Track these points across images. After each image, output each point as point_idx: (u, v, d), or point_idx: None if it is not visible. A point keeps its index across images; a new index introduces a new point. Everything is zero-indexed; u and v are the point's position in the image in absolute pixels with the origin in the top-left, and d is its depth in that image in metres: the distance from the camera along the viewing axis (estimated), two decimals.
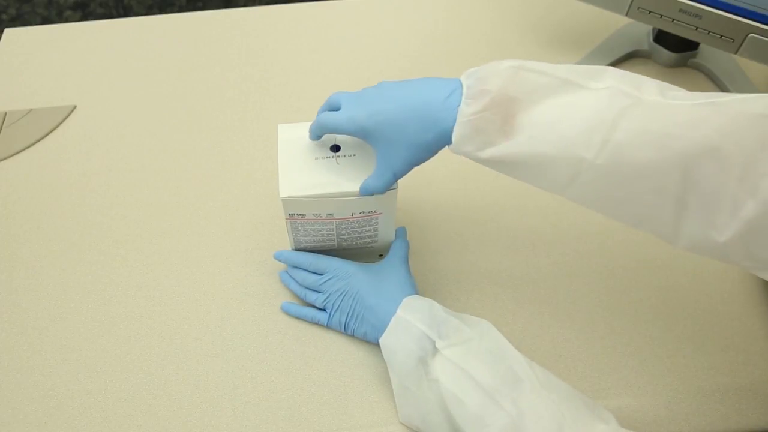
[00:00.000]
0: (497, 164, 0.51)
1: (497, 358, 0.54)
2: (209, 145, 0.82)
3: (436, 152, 0.54)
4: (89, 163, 0.80)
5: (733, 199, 0.43)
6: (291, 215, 0.61)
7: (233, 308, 0.67)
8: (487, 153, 0.50)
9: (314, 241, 0.65)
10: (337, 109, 0.57)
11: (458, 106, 0.50)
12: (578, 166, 0.47)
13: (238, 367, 0.63)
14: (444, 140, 0.52)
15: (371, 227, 0.63)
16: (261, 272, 0.70)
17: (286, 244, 0.67)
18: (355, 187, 0.58)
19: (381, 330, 0.58)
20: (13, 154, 0.81)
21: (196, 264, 0.71)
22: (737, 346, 0.64)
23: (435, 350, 0.55)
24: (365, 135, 0.55)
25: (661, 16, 0.77)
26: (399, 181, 0.59)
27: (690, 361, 0.63)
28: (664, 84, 0.48)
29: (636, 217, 0.48)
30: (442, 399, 0.53)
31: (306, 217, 0.61)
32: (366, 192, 0.57)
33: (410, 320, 0.57)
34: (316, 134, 0.60)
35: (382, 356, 0.59)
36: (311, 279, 0.65)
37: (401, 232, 0.67)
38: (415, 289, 0.62)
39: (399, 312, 0.58)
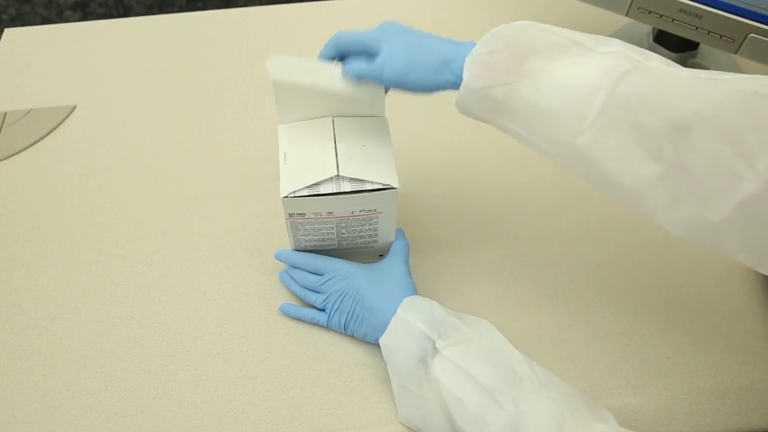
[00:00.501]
0: (502, 109, 0.51)
1: (497, 357, 0.54)
2: (209, 145, 0.82)
3: (437, 89, 0.55)
4: (89, 163, 0.80)
5: (729, 174, 0.42)
6: (291, 215, 0.61)
7: (233, 308, 0.67)
8: (496, 92, 0.50)
9: (314, 240, 0.65)
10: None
11: (470, 50, 0.52)
12: (580, 124, 0.47)
13: (238, 367, 0.63)
14: (451, 78, 0.53)
15: (371, 226, 0.63)
16: (261, 272, 0.70)
17: (286, 244, 0.67)
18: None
19: (381, 330, 0.58)
20: (13, 154, 0.81)
21: (196, 264, 0.71)
22: (737, 346, 0.64)
23: (435, 350, 0.55)
24: (384, 42, 0.56)
25: (661, 16, 0.77)
26: (399, 181, 0.59)
27: (690, 361, 0.63)
28: (670, 61, 0.48)
29: (631, 191, 0.47)
30: (442, 399, 0.53)
31: (306, 217, 0.61)
32: (348, 70, 0.57)
33: (410, 320, 0.57)
34: (329, 53, 0.60)
35: (382, 356, 0.59)
36: (311, 279, 0.65)
37: (401, 233, 0.67)
38: (415, 290, 0.62)
39: (399, 312, 0.58)
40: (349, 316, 0.62)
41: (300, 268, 0.66)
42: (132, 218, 0.75)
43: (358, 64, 0.57)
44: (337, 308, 0.63)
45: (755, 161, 0.41)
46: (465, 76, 0.52)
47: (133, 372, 0.63)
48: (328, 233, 0.64)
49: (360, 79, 0.57)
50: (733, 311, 0.66)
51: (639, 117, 0.45)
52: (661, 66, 0.47)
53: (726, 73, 0.46)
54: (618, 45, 0.49)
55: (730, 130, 0.42)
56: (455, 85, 0.53)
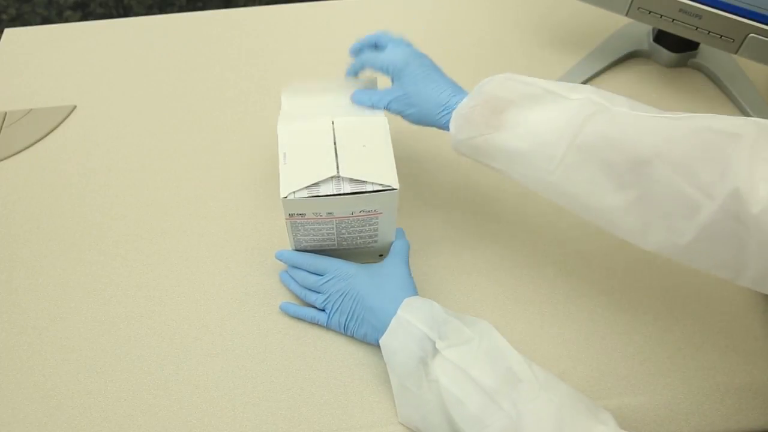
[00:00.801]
0: (485, 154, 0.59)
1: (497, 358, 0.54)
2: (209, 145, 0.82)
3: (431, 126, 0.63)
4: (89, 163, 0.80)
5: (688, 203, 0.47)
6: (291, 215, 0.61)
7: (233, 308, 0.67)
8: (476, 141, 0.58)
9: (314, 240, 0.65)
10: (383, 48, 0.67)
11: (459, 103, 0.60)
12: (550, 163, 0.54)
13: (238, 367, 0.63)
14: (443, 120, 0.61)
15: (371, 227, 0.63)
16: (261, 272, 0.70)
17: (286, 244, 0.67)
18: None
19: (381, 331, 0.58)
20: (13, 154, 0.81)
21: (196, 264, 0.71)
22: (737, 346, 0.64)
23: (435, 351, 0.55)
24: (397, 76, 0.64)
25: (661, 16, 0.78)
26: (400, 182, 0.59)
27: (690, 361, 0.63)
28: (636, 102, 0.54)
29: (606, 218, 0.53)
30: (441, 399, 0.53)
31: (306, 217, 0.61)
32: (356, 100, 0.66)
33: (411, 321, 0.57)
34: (355, 70, 0.69)
35: (382, 356, 0.59)
36: (311, 279, 0.65)
37: (401, 233, 0.67)
38: (416, 290, 0.62)
39: (399, 312, 0.58)
40: (349, 316, 0.62)
41: (300, 268, 0.66)
42: (132, 218, 0.75)
43: (365, 96, 0.66)
44: (338, 308, 0.63)
45: (710, 190, 0.46)
46: (451, 128, 0.60)
47: (133, 372, 0.63)
48: (328, 233, 0.64)
49: (368, 105, 0.66)
50: (733, 311, 0.66)
51: (603, 154, 0.51)
52: (624, 110, 0.52)
53: (684, 113, 0.51)
54: (588, 92, 0.55)
55: (685, 163, 0.47)
56: (447, 128, 0.61)
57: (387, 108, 0.64)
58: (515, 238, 0.72)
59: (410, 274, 0.64)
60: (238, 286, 0.69)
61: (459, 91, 0.61)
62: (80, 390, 0.62)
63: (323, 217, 0.61)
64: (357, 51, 0.70)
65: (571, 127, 0.53)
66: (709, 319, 0.66)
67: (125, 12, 1.98)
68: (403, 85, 0.63)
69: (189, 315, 0.67)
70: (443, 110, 0.61)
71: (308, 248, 0.67)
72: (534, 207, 0.75)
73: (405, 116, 0.64)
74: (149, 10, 1.97)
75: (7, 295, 0.68)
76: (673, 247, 0.49)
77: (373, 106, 0.65)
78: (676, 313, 0.66)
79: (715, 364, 0.63)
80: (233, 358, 0.64)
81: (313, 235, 0.64)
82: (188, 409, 0.60)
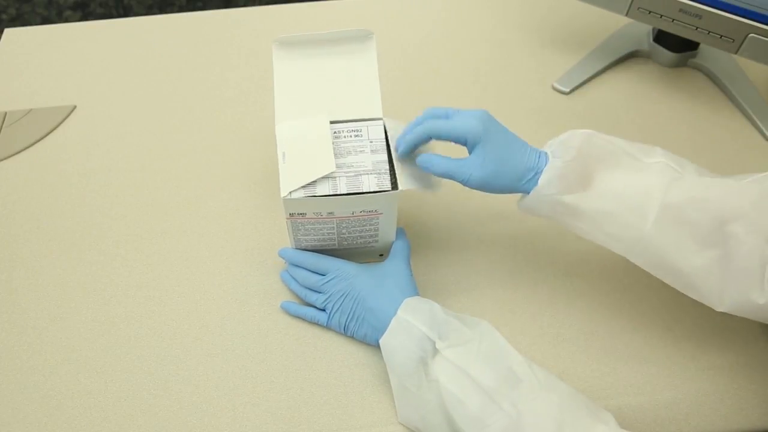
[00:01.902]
0: (572, 211, 0.58)
1: (497, 358, 0.54)
2: (209, 145, 0.82)
3: (511, 193, 0.60)
4: (89, 163, 0.80)
5: (766, 262, 0.50)
6: (292, 215, 0.61)
7: (233, 308, 0.67)
8: (567, 198, 0.57)
9: (315, 240, 0.65)
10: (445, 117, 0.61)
11: (546, 162, 0.58)
12: (642, 222, 0.55)
13: (238, 367, 0.63)
14: (528, 184, 0.58)
15: (372, 226, 0.63)
16: (261, 272, 0.70)
17: (286, 244, 0.67)
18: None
19: (381, 331, 0.58)
20: (13, 154, 0.81)
21: (196, 264, 0.71)
22: (737, 346, 0.64)
23: (435, 351, 0.55)
24: (477, 144, 0.58)
25: (661, 16, 0.78)
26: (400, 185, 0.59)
27: (690, 361, 0.63)
28: (700, 168, 0.58)
29: (688, 278, 0.55)
30: (441, 399, 0.53)
31: (306, 217, 0.61)
32: (425, 160, 0.60)
33: (411, 321, 0.57)
34: (414, 143, 0.60)
35: (382, 356, 0.59)
36: (312, 279, 0.65)
37: (402, 233, 0.67)
38: (416, 290, 0.62)
39: (399, 313, 0.58)
40: (350, 316, 0.62)
41: (301, 267, 0.66)
42: (132, 218, 0.75)
43: (439, 163, 0.59)
44: (338, 309, 0.63)
45: None
46: (541, 183, 0.57)
47: (133, 372, 0.63)
48: (328, 233, 0.64)
49: (440, 175, 0.60)
50: None
51: (689, 215, 0.53)
52: (696, 176, 0.56)
53: (754, 174, 0.55)
54: (660, 155, 0.58)
55: (765, 223, 0.51)
56: (528, 191, 0.59)
57: (467, 182, 0.58)
58: (515, 237, 0.72)
59: (411, 275, 0.64)
60: (238, 286, 0.69)
61: (539, 151, 0.59)
62: (80, 390, 0.62)
63: (324, 216, 0.61)
64: (412, 139, 0.60)
65: (657, 189, 0.55)
66: (709, 320, 0.66)
67: (125, 12, 1.98)
68: (486, 154, 0.58)
69: (189, 315, 0.67)
70: (533, 174, 0.58)
71: (309, 248, 0.67)
72: None
73: (487, 188, 0.59)
74: (149, 10, 1.97)
75: (7, 295, 0.68)
76: (749, 306, 0.52)
77: (447, 176, 0.59)
78: (676, 313, 0.66)
79: (715, 364, 0.63)
80: (233, 358, 0.64)
81: (314, 235, 0.64)
82: (188, 409, 0.60)
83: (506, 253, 0.71)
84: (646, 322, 0.66)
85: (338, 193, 0.58)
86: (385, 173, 0.60)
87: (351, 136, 0.63)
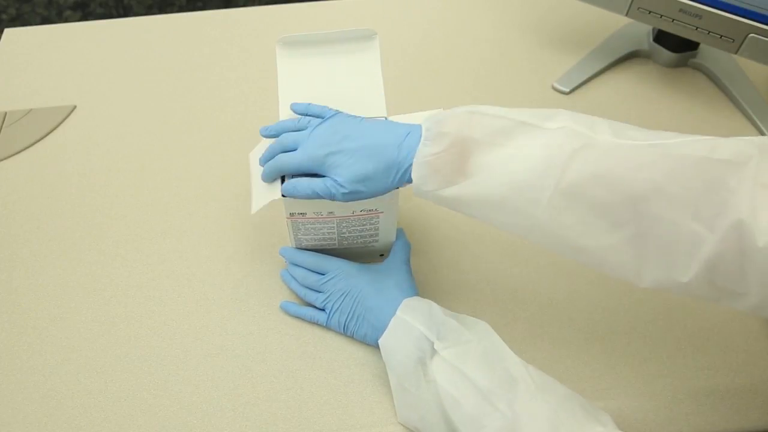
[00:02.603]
0: (457, 204, 0.53)
1: (494, 359, 0.54)
2: (209, 145, 0.82)
3: (392, 189, 0.56)
4: (89, 163, 0.80)
5: (690, 238, 0.45)
6: (292, 214, 0.61)
7: (233, 308, 0.67)
8: (447, 192, 0.52)
9: (315, 240, 0.65)
10: (293, 150, 0.58)
11: (416, 147, 0.52)
12: (534, 208, 0.49)
13: (238, 367, 0.63)
14: (402, 179, 0.54)
15: (372, 226, 0.63)
16: (261, 272, 0.70)
17: (286, 244, 0.67)
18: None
19: (381, 331, 0.58)
20: (13, 154, 0.81)
21: (196, 264, 0.71)
22: (737, 346, 0.64)
23: (433, 351, 0.55)
24: (324, 170, 0.56)
25: (661, 16, 0.78)
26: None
27: (690, 361, 0.63)
28: (617, 124, 0.49)
29: (597, 259, 0.49)
30: (439, 400, 0.53)
31: (307, 216, 0.61)
32: (287, 188, 0.57)
33: (410, 321, 0.57)
34: (271, 177, 0.59)
35: (381, 356, 0.59)
36: (312, 278, 0.65)
37: (402, 233, 0.67)
38: (416, 291, 0.62)
39: (398, 313, 0.58)
40: (350, 316, 0.62)
41: (301, 267, 0.66)
42: (132, 218, 0.75)
43: (307, 185, 0.56)
44: (338, 308, 0.63)
45: (713, 223, 0.44)
46: (415, 180, 0.53)
47: (133, 372, 0.63)
48: (329, 233, 0.64)
49: (308, 198, 0.57)
50: (733, 311, 0.66)
51: (595, 193, 0.47)
52: (609, 138, 0.48)
53: (672, 135, 0.48)
54: (565, 119, 0.50)
55: (685, 197, 0.45)
56: (405, 182, 0.55)
57: (336, 198, 0.55)
58: (515, 238, 0.72)
59: (411, 275, 0.64)
60: (238, 286, 0.69)
61: (407, 137, 0.53)
62: (80, 390, 0.62)
63: (324, 216, 0.61)
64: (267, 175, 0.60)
65: (554, 166, 0.48)
66: (709, 319, 0.66)
67: (125, 12, 1.98)
68: (340, 172, 0.54)
69: (189, 315, 0.67)
70: (399, 167, 0.53)
71: (309, 248, 0.67)
72: None
73: (361, 196, 0.55)
74: (149, 10, 1.97)
75: (7, 295, 0.68)
76: (672, 284, 0.47)
77: (316, 197, 0.56)
78: (676, 313, 0.66)
79: (715, 364, 0.63)
80: (233, 358, 0.64)
81: (314, 235, 0.64)
82: (188, 409, 0.60)
83: (506, 253, 0.71)
84: (646, 322, 0.66)
85: (336, 199, 0.58)
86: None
87: None
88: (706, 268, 0.45)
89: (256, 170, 0.62)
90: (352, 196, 0.55)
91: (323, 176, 0.56)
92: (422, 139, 0.52)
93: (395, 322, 0.58)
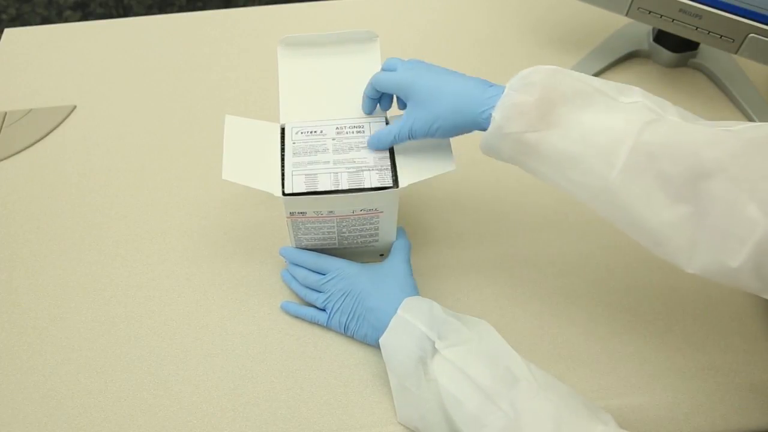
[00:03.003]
0: (534, 154, 0.53)
1: (495, 358, 0.54)
2: (209, 145, 0.82)
3: (460, 133, 0.57)
4: (89, 163, 0.80)
5: (746, 221, 0.45)
6: (292, 213, 0.61)
7: (233, 308, 0.67)
8: (529, 137, 0.52)
9: (315, 239, 0.65)
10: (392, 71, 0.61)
11: (500, 95, 0.53)
12: (607, 170, 0.50)
13: (238, 367, 0.63)
14: (474, 124, 0.55)
15: (372, 226, 0.63)
16: (261, 272, 0.70)
17: (286, 244, 0.67)
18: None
19: (381, 331, 0.58)
20: (13, 154, 0.81)
21: (196, 264, 0.71)
22: (737, 346, 0.64)
23: (434, 351, 0.55)
24: (405, 92, 0.58)
25: (661, 16, 0.78)
26: (401, 182, 0.59)
27: (690, 361, 0.63)
28: (684, 111, 0.51)
29: (655, 234, 0.49)
30: (440, 399, 0.53)
31: (307, 216, 0.61)
32: (373, 141, 0.60)
33: (410, 320, 0.57)
34: (371, 95, 0.62)
35: (382, 356, 0.59)
36: (313, 278, 0.65)
37: (402, 232, 0.67)
38: (416, 290, 0.62)
39: (399, 312, 0.58)
40: (350, 316, 0.62)
41: (302, 266, 0.66)
42: (132, 218, 0.75)
43: (382, 137, 0.60)
44: (338, 308, 0.63)
45: None
46: (497, 121, 0.53)
47: (133, 372, 0.63)
48: (329, 232, 0.64)
49: (389, 144, 0.60)
50: (733, 311, 0.66)
51: (661, 164, 0.48)
52: (678, 119, 0.50)
53: (740, 123, 0.49)
54: (639, 95, 0.52)
55: (747, 179, 0.45)
56: (481, 128, 0.55)
57: (412, 137, 0.58)
58: (515, 238, 0.72)
59: (411, 274, 0.64)
60: (238, 286, 0.69)
61: (488, 88, 0.55)
62: (80, 390, 0.62)
63: (324, 215, 0.61)
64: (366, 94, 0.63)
65: (629, 133, 0.49)
66: (709, 319, 0.66)
67: (125, 12, 1.98)
68: (418, 103, 0.57)
69: (189, 315, 0.67)
70: (478, 108, 0.54)
71: (309, 247, 0.67)
72: (534, 207, 0.75)
73: (435, 135, 0.58)
74: (149, 10, 1.97)
75: (7, 295, 0.68)
76: (720, 269, 0.47)
77: (396, 141, 0.60)
78: (676, 313, 0.66)
79: (715, 364, 0.63)
80: (233, 358, 0.64)
81: (314, 234, 0.64)
82: (188, 409, 0.60)
83: (506, 252, 0.71)
84: (646, 322, 0.66)
85: (339, 188, 0.58)
86: (386, 170, 0.60)
87: (353, 132, 0.63)
88: (755, 253, 0.44)
89: (232, 136, 0.62)
90: (424, 124, 0.57)
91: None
92: (507, 88, 0.53)
93: (396, 321, 0.57)
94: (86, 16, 1.96)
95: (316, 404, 0.61)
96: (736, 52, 0.75)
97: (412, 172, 0.60)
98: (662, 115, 0.50)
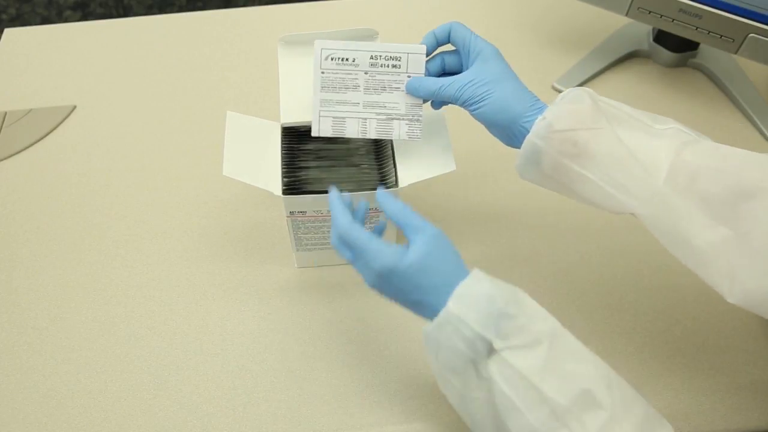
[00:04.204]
0: (583, 153, 0.51)
1: (572, 373, 0.46)
2: (209, 145, 0.82)
3: (495, 125, 0.55)
4: (89, 163, 0.80)
5: None
6: (291, 213, 0.61)
7: (233, 308, 0.67)
8: (580, 135, 0.50)
9: (316, 239, 0.65)
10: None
11: (545, 107, 0.53)
12: (653, 178, 0.49)
13: (238, 367, 0.63)
14: (513, 124, 0.53)
15: (373, 225, 0.63)
16: (261, 272, 0.70)
17: (286, 244, 0.67)
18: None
19: (427, 309, 0.49)
20: (13, 154, 0.81)
21: (196, 264, 0.71)
22: (737, 346, 0.64)
23: (491, 350, 0.47)
24: (476, 53, 0.56)
25: (661, 16, 0.78)
26: (402, 182, 0.59)
27: (690, 361, 0.63)
28: (721, 145, 0.51)
29: (696, 255, 0.48)
30: (493, 399, 0.47)
31: (307, 215, 0.61)
32: (413, 84, 0.57)
33: (463, 318, 0.47)
34: (439, 35, 0.60)
35: (383, 357, 0.58)
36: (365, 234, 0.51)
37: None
38: (462, 262, 0.52)
39: (450, 305, 0.47)
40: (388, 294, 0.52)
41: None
42: (132, 218, 0.75)
43: (424, 82, 0.57)
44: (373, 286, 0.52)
45: None
46: (548, 119, 0.51)
47: (133, 372, 0.63)
48: (329, 232, 0.64)
49: (429, 96, 0.57)
50: (733, 311, 0.66)
51: (701, 184, 0.47)
52: (713, 143, 0.50)
53: None
54: (673, 122, 0.52)
55: None
56: (515, 132, 0.54)
57: (458, 96, 0.54)
58: (515, 237, 0.72)
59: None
60: (238, 286, 0.69)
61: (537, 99, 0.55)
62: (80, 390, 0.62)
63: (324, 215, 0.61)
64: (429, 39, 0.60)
65: (667, 153, 0.49)
66: (709, 319, 0.66)
67: (125, 12, 1.97)
68: (485, 71, 0.54)
69: (189, 315, 0.67)
70: (530, 110, 0.53)
71: (310, 247, 0.66)
72: (534, 207, 0.75)
73: (478, 106, 0.54)
74: (149, 10, 1.97)
75: (7, 295, 0.68)
76: (762, 295, 0.45)
77: (439, 93, 0.55)
78: (676, 313, 0.66)
79: (715, 364, 0.63)
80: (233, 358, 0.64)
81: (314, 234, 0.64)
82: (188, 409, 0.60)
83: (506, 252, 0.71)
84: (645, 322, 0.66)
85: (367, 137, 0.56)
86: (417, 120, 0.57)
87: (388, 66, 0.58)
88: None
89: (234, 133, 0.61)
90: (477, 89, 0.54)
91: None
92: (558, 97, 0.53)
93: (445, 315, 0.47)
94: (86, 16, 1.96)
95: (316, 404, 0.61)
96: (736, 52, 0.75)
97: (412, 172, 0.60)
98: (698, 139, 0.50)
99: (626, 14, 0.80)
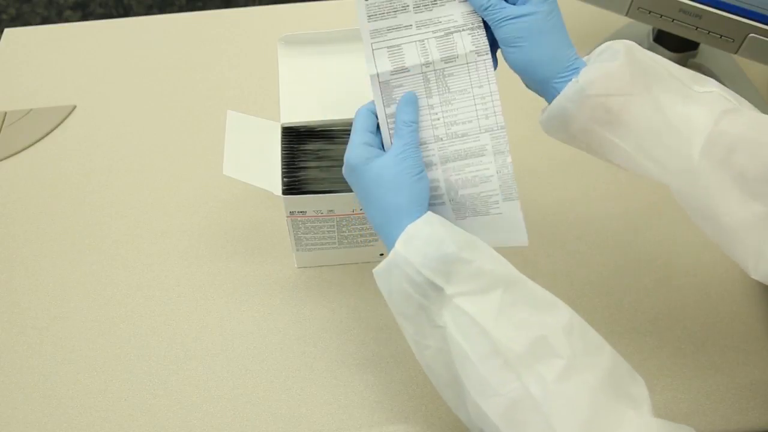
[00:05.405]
0: (616, 121, 0.48)
1: (527, 320, 0.45)
2: (209, 145, 0.82)
3: (532, 74, 0.51)
4: (89, 163, 0.80)
5: None
6: (291, 213, 0.61)
7: (233, 308, 0.67)
8: (615, 101, 0.47)
9: (315, 239, 0.65)
10: None
11: (582, 66, 0.49)
12: (688, 149, 0.46)
13: (238, 367, 0.63)
14: (548, 90, 0.50)
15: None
16: (261, 272, 0.70)
17: (286, 244, 0.67)
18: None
19: (387, 239, 0.48)
20: (13, 154, 0.81)
21: (196, 264, 0.71)
22: (737, 346, 0.64)
23: (443, 297, 0.45)
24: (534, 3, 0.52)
25: (661, 16, 0.77)
26: None
27: (690, 361, 0.63)
28: (758, 110, 0.49)
29: (726, 233, 0.47)
30: (447, 347, 0.45)
31: (307, 215, 0.61)
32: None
33: (411, 261, 0.45)
34: None
35: (383, 357, 0.58)
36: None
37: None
38: (426, 194, 0.49)
39: (398, 247, 0.46)
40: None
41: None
42: (132, 218, 0.75)
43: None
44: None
45: None
46: (581, 83, 0.48)
47: (133, 372, 0.63)
48: (329, 232, 0.64)
49: (480, 9, 0.50)
50: (733, 311, 0.66)
51: (738, 157, 0.45)
52: (755, 113, 0.47)
53: None
54: (714, 86, 0.48)
55: None
56: (558, 87, 0.49)
57: (498, 25, 0.49)
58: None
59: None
60: (238, 286, 0.69)
61: (577, 57, 0.51)
62: (80, 390, 0.62)
63: (324, 214, 0.61)
64: None
65: (707, 118, 0.46)
66: (709, 319, 0.66)
67: (125, 12, 1.97)
68: (532, 15, 0.51)
69: (189, 315, 0.67)
70: (566, 70, 0.49)
71: (310, 247, 0.66)
72: (534, 207, 0.75)
73: (512, 49, 0.50)
74: (149, 10, 1.97)
75: (7, 295, 0.68)
76: None
77: (487, 9, 0.50)
78: (677, 313, 0.66)
79: (715, 364, 0.63)
80: (233, 358, 0.64)
81: (314, 234, 0.64)
82: (188, 409, 0.60)
83: (505, 252, 0.71)
84: (646, 322, 0.66)
85: (430, 60, 0.51)
86: (479, 27, 0.51)
87: None
88: None
89: (234, 132, 0.61)
90: (517, 29, 0.50)
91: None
92: (594, 53, 0.50)
93: (393, 258, 0.46)
94: (86, 16, 1.96)
95: (316, 404, 0.61)
96: (736, 52, 0.75)
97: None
98: (739, 107, 0.47)
99: (626, 14, 0.80)
